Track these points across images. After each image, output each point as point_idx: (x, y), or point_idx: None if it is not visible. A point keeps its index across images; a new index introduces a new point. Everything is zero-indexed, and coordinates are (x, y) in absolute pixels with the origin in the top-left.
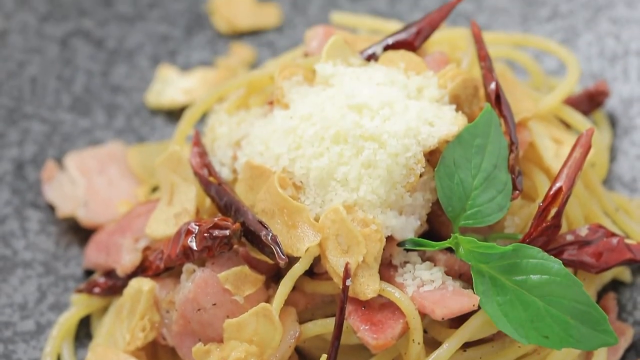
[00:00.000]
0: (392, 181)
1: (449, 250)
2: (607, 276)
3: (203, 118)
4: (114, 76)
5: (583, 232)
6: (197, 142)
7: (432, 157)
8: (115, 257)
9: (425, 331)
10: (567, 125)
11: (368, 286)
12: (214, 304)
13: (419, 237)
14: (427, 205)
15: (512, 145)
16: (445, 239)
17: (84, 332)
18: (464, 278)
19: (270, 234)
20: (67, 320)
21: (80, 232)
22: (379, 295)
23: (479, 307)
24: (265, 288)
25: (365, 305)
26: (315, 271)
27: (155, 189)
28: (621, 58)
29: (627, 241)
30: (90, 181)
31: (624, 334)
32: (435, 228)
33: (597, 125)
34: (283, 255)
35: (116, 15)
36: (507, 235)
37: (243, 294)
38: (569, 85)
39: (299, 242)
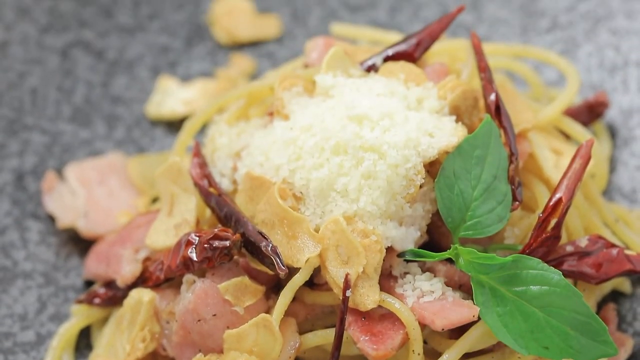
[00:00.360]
0: (392, 192)
1: (449, 261)
2: (607, 287)
3: (203, 129)
4: (114, 87)
5: (583, 243)
6: (197, 153)
7: (432, 168)
8: (115, 268)
9: (425, 342)
10: (567, 136)
11: (368, 297)
12: (214, 315)
13: (419, 248)
14: (427, 216)
15: (512, 156)
16: (445, 250)
17: (84, 342)
18: (464, 289)
19: (271, 245)
20: (67, 330)
21: (80, 243)
22: (379, 306)
23: (479, 318)
24: (265, 299)
25: (365, 316)
26: (315, 282)
27: (155, 200)
28: (621, 69)
29: (627, 252)
30: (91, 192)
31: (623, 344)
32: (435, 239)
33: (596, 136)
34: (283, 266)
35: (116, 26)
36: (507, 246)
37: (243, 304)
38: (569, 96)
39: (299, 253)
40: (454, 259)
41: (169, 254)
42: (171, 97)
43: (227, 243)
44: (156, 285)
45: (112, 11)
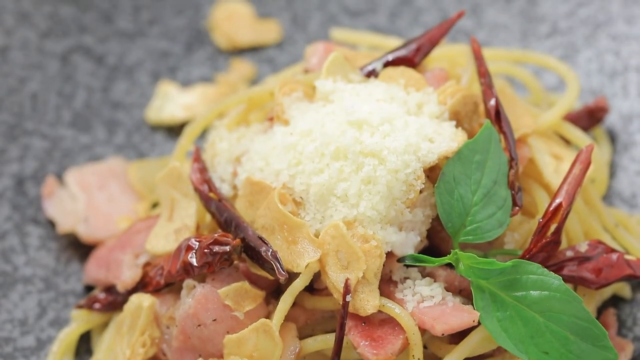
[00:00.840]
0: (392, 197)
1: (449, 266)
2: (607, 292)
3: (203, 134)
4: (114, 92)
5: (583, 248)
6: (197, 158)
7: (432, 173)
8: (115, 273)
9: (425, 347)
10: (567, 142)
11: (368, 302)
12: (214, 320)
13: (419, 253)
14: (427, 221)
15: (512, 161)
16: (445, 255)
17: (84, 347)
18: (464, 294)
19: (271, 250)
20: (68, 335)
21: (80, 248)
22: (379, 311)
23: (479, 323)
24: (265, 304)
25: (366, 321)
26: (315, 287)
27: (155, 205)
28: (621, 74)
29: (627, 257)
30: (91, 197)
31: (623, 349)
32: (435, 244)
33: (596, 141)
34: (283, 271)
35: (116, 31)
36: (506, 251)
37: (243, 309)
38: (569, 101)
39: (299, 258)
40: (454, 264)
41: (169, 259)
42: (171, 102)
43: (227, 248)
44: (156, 290)
45: (112, 16)
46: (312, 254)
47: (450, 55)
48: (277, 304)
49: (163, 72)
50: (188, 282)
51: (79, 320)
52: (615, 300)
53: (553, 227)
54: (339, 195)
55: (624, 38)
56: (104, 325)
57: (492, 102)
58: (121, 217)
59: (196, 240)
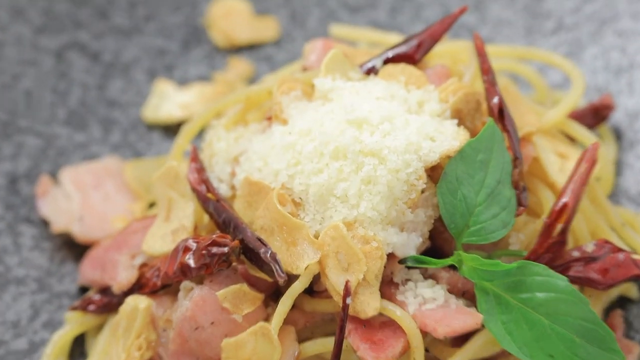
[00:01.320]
0: (393, 197)
1: (452, 267)
2: (614, 293)
3: (201, 133)
4: (110, 90)
5: (589, 248)
6: (194, 157)
7: (434, 172)
8: (111, 274)
9: (427, 350)
10: (572, 140)
11: (368, 304)
12: (212, 323)
13: (421, 254)
14: (429, 221)
15: (516, 160)
16: (448, 256)
17: (78, 350)
18: (467, 296)
19: (270, 252)
20: (61, 338)
21: (75, 248)
22: (380, 314)
23: (483, 326)
24: (264, 306)
25: (366, 324)
26: (314, 289)
27: (152, 205)
28: (626, 71)
29: (634, 257)
30: (86, 196)
31: (631, 352)
32: (437, 245)
33: (602, 139)
34: (282, 273)
35: (112, 28)
36: (511, 252)
37: (242, 312)
38: (574, 98)
39: (298, 260)
40: (457, 266)
41: (166, 260)
42: (168, 100)
43: (226, 249)
44: (153, 292)
45: (108, 12)
46: (311, 255)
47: (452, 51)
48: (276, 306)
49: (159, 70)
50: (185, 283)
51: (73, 323)
52: (623, 302)
53: (559, 227)
54: (338, 195)
55: (629, 34)
56: (99, 328)
57: (496, 99)
58: (117, 216)
59: (194, 241)
